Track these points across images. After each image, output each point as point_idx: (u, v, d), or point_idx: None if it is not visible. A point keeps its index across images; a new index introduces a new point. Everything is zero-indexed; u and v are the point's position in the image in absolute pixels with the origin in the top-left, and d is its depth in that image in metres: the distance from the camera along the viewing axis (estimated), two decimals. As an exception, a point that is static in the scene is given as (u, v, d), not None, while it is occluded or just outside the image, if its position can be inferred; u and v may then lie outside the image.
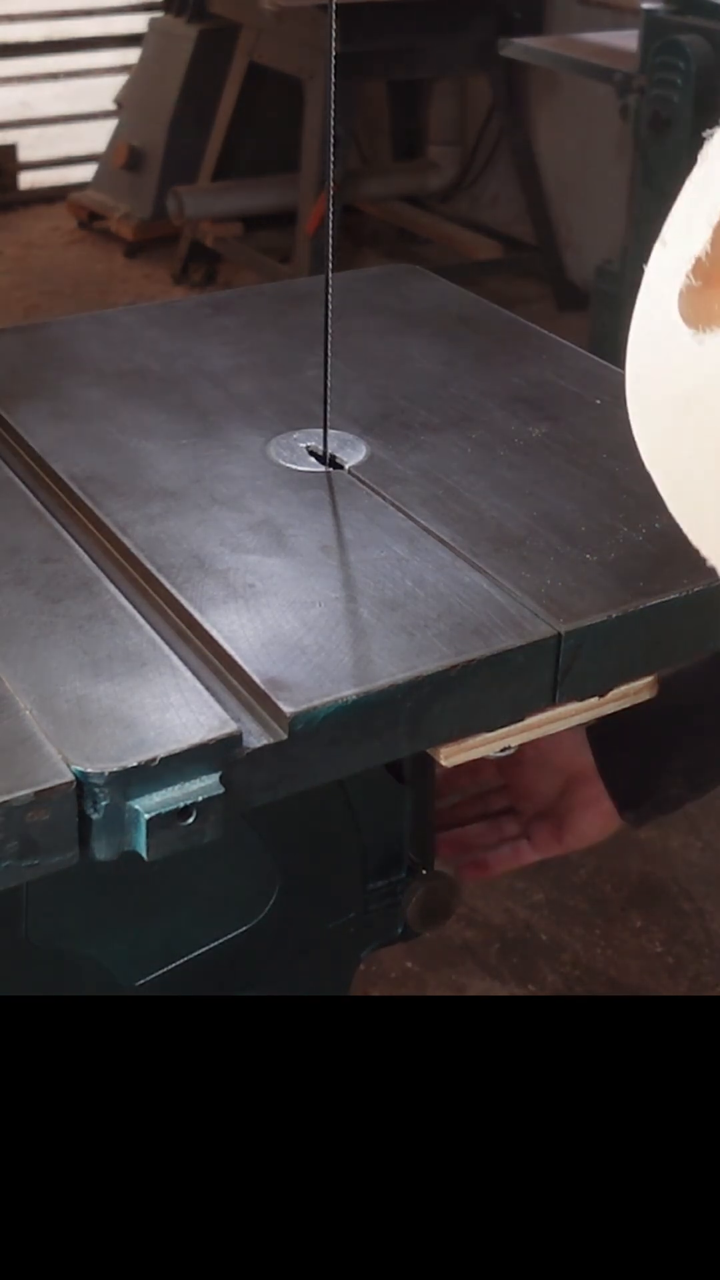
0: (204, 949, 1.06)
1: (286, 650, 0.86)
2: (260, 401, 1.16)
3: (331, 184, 1.06)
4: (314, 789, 0.86)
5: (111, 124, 5.52)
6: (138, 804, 0.77)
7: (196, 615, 0.89)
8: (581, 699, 0.94)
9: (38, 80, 5.81)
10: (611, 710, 0.98)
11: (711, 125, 0.52)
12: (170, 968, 1.05)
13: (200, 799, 0.78)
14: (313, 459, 1.08)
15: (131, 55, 5.56)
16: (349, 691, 0.83)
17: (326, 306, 1.04)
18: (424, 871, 1.15)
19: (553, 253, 4.93)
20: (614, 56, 3.66)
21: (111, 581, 0.93)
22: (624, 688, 0.97)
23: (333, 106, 1.08)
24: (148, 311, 1.35)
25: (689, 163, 0.52)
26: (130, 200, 5.28)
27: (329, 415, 1.08)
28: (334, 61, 1.00)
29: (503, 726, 0.92)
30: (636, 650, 0.93)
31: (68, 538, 0.97)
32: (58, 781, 0.75)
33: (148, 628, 0.88)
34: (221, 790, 0.78)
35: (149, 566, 0.94)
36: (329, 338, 1.05)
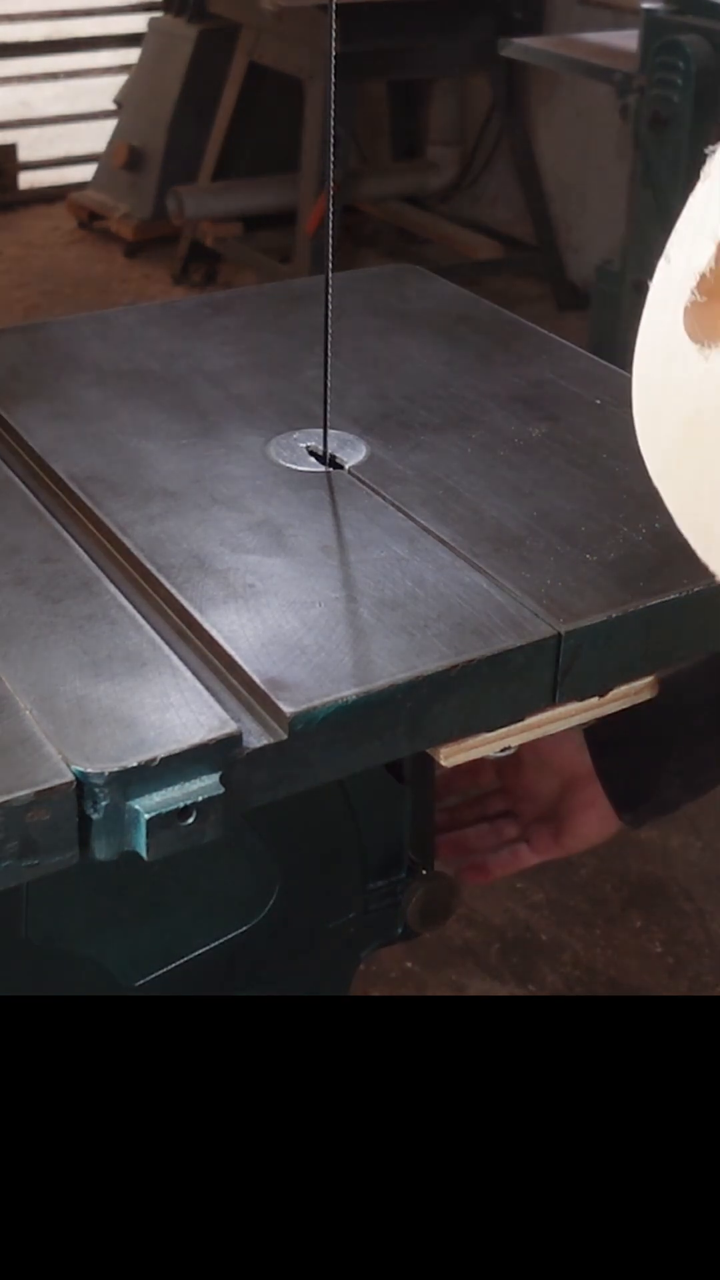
0: (204, 949, 1.06)
1: (286, 650, 0.86)
2: (260, 401, 1.16)
3: (331, 184, 1.06)
4: (314, 789, 0.86)
5: (111, 124, 5.52)
6: (138, 804, 0.77)
7: (196, 615, 0.89)
8: (581, 699, 0.94)
9: (38, 80, 5.81)
10: (612, 710, 0.98)
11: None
12: (170, 968, 1.05)
13: (200, 799, 0.78)
14: (313, 459, 1.08)
15: (131, 55, 5.56)
16: (349, 691, 0.83)
17: (326, 306, 1.04)
18: (424, 872, 1.15)
19: (553, 253, 4.94)
20: (614, 56, 3.66)
21: (111, 581, 0.93)
22: (624, 688, 0.97)
23: (333, 106, 1.08)
24: (148, 311, 1.35)
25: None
26: (130, 200, 5.28)
27: (329, 415, 1.08)
28: (334, 61, 1.00)
29: (503, 726, 0.92)
30: (636, 650, 0.93)
31: (68, 538, 0.97)
32: (58, 781, 0.75)
33: (148, 628, 0.88)
34: (221, 790, 0.78)
35: (149, 566, 0.94)
36: (329, 338, 1.05)
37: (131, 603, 0.91)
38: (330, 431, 1.09)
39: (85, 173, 5.65)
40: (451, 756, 0.91)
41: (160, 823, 0.77)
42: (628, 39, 3.60)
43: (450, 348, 1.26)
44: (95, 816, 0.76)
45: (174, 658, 0.85)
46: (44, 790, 0.75)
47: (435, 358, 1.24)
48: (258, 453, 1.08)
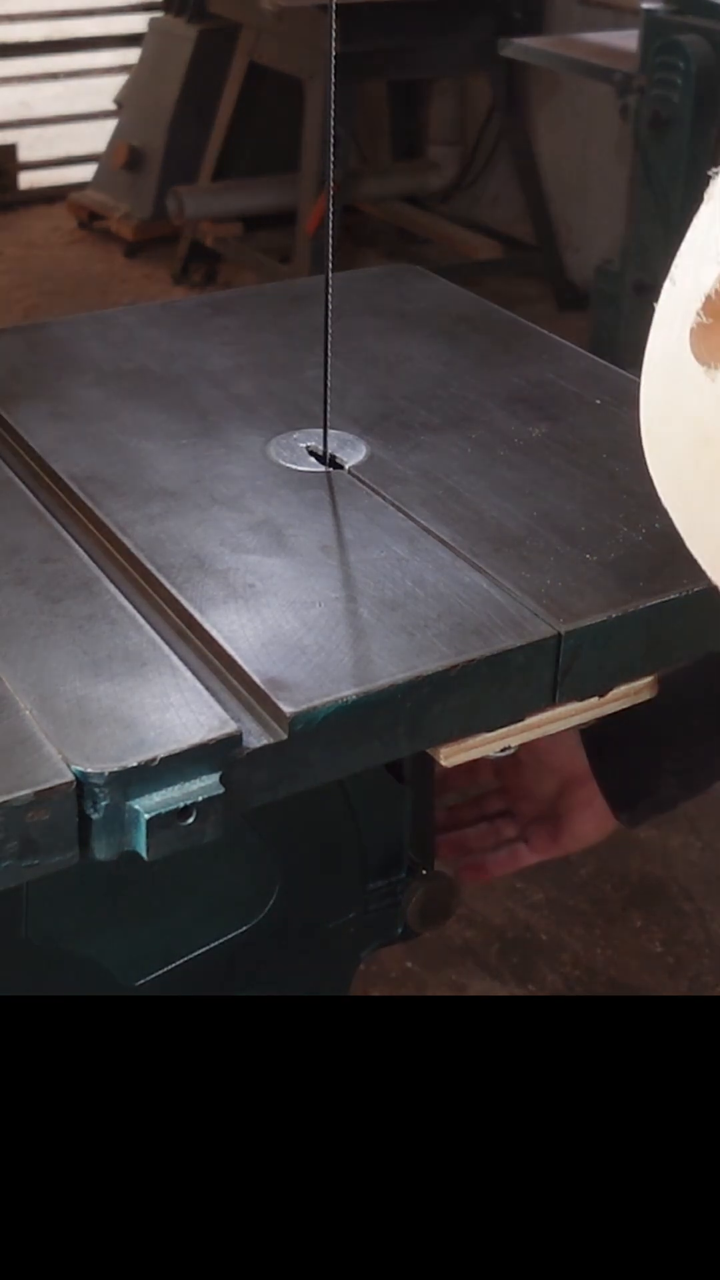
0: (204, 949, 1.06)
1: (286, 650, 0.86)
2: (260, 401, 1.16)
3: (331, 184, 1.06)
4: (314, 789, 0.86)
5: (111, 124, 5.52)
6: (138, 804, 0.77)
7: (196, 615, 0.89)
8: (581, 699, 0.94)
9: (38, 80, 5.81)
10: (611, 710, 0.98)
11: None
12: (170, 968, 1.05)
13: (200, 799, 0.78)
14: (313, 459, 1.08)
15: (131, 55, 5.56)
16: (349, 691, 0.83)
17: (326, 306, 1.04)
18: (424, 871, 1.15)
19: (553, 253, 4.93)
20: (614, 56, 3.66)
21: (111, 581, 0.93)
22: (624, 688, 0.97)
23: (333, 106, 1.08)
24: (148, 311, 1.35)
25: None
26: (130, 200, 5.28)
27: (329, 415, 1.08)
28: (334, 61, 1.00)
29: (502, 726, 0.92)
30: (636, 650, 0.93)
31: (68, 538, 0.97)
32: (58, 781, 0.75)
33: (148, 628, 0.88)
34: (221, 790, 0.78)
35: (149, 566, 0.94)
36: (329, 338, 1.05)
37: (131, 603, 0.91)
38: (330, 431, 1.09)
39: (85, 173, 5.65)
40: (451, 756, 0.91)
41: (160, 823, 0.77)
42: (628, 39, 3.60)
43: (450, 348, 1.26)
44: (95, 816, 0.76)
45: (174, 658, 0.85)
46: (44, 790, 0.75)
47: (435, 358, 1.24)
48: (258, 453, 1.08)
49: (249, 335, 1.28)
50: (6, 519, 0.99)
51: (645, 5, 3.44)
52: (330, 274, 1.02)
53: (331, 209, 1.07)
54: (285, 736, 0.81)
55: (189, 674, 0.84)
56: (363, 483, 1.05)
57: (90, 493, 1.02)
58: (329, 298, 1.03)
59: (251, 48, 4.81)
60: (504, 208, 5.14)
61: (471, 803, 1.34)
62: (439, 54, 4.78)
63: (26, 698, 0.81)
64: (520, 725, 0.93)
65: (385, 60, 4.66)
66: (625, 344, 3.36)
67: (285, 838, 1.06)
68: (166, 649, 0.86)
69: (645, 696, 0.99)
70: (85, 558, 0.95)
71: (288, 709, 0.81)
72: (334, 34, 1.02)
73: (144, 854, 0.78)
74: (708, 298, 0.50)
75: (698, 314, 0.51)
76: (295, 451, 1.08)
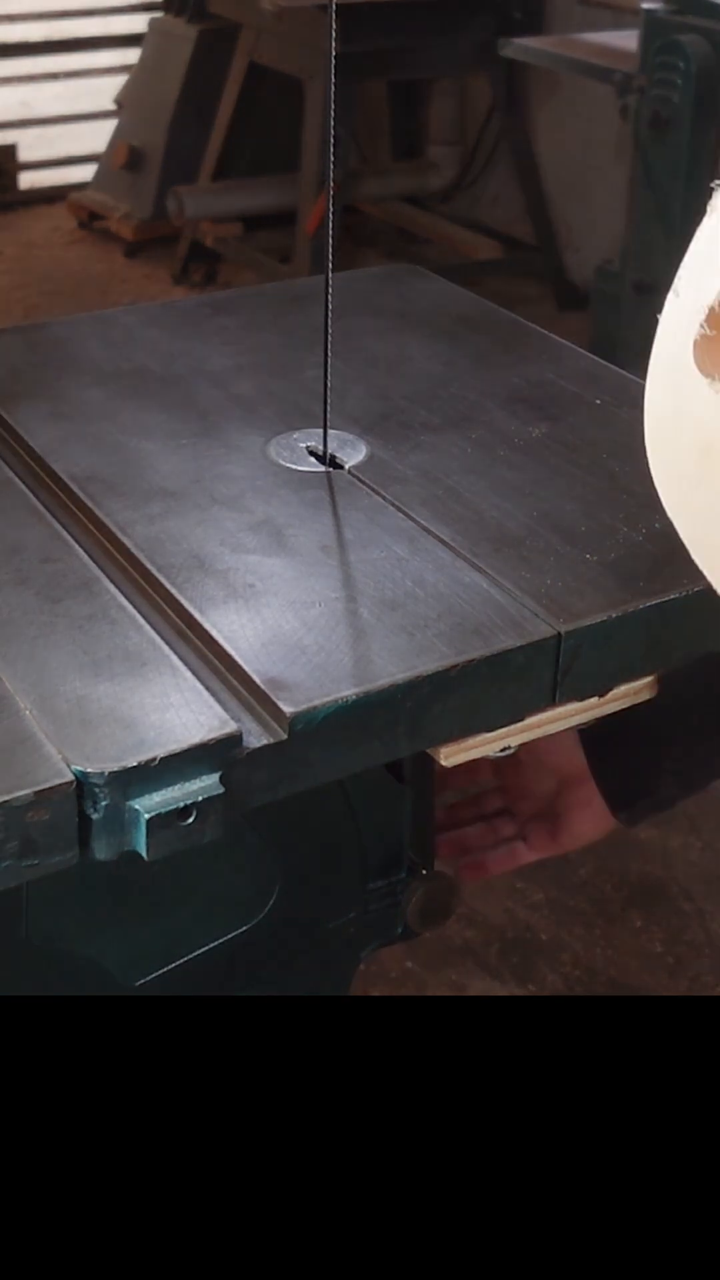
0: (204, 949, 1.06)
1: (286, 650, 0.86)
2: (260, 401, 1.16)
3: (331, 184, 1.06)
4: (314, 789, 0.86)
5: (111, 124, 5.52)
6: (138, 804, 0.77)
7: (196, 615, 0.89)
8: (581, 699, 0.94)
9: (38, 80, 5.81)
10: (611, 710, 0.98)
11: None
12: (170, 968, 1.05)
13: (200, 799, 0.78)
14: (313, 459, 1.08)
15: (131, 55, 5.56)
16: (349, 691, 0.83)
17: (326, 306, 1.04)
18: (424, 871, 1.15)
19: (553, 253, 4.93)
20: (614, 56, 3.66)
21: (111, 581, 0.93)
22: (624, 688, 0.97)
23: (333, 106, 1.08)
24: (148, 311, 1.36)
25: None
26: (130, 200, 5.28)
27: (329, 415, 1.08)
28: (334, 61, 1.00)
29: (502, 726, 0.92)
30: (636, 650, 0.93)
31: (68, 538, 0.98)
32: (58, 781, 0.75)
33: (148, 628, 0.88)
34: (221, 790, 0.78)
35: (149, 566, 0.94)
36: (329, 338, 1.05)
37: (131, 603, 0.91)
38: (330, 431, 1.09)
39: (85, 173, 5.65)
40: (451, 756, 0.91)
41: (160, 823, 0.77)
42: (628, 39, 3.60)
43: (450, 348, 1.26)
44: (95, 816, 0.77)
45: (174, 658, 0.85)
46: (44, 790, 0.75)
47: (435, 358, 1.24)
48: (258, 453, 1.08)
49: (249, 335, 1.28)
50: (6, 519, 0.99)
51: (645, 5, 3.44)
52: (330, 274, 1.03)
53: (331, 209, 1.07)
54: (285, 736, 0.81)
55: (189, 674, 0.84)
56: (363, 483, 1.05)
57: (90, 493, 1.02)
58: (329, 298, 1.03)
59: (251, 48, 4.81)
60: (504, 208, 5.14)
61: (470, 801, 1.34)
62: (439, 54, 4.77)
63: (26, 698, 0.81)
64: (520, 725, 0.93)
65: (385, 60, 4.66)
66: (625, 344, 3.36)
67: (285, 838, 1.06)
68: (166, 649, 0.86)
69: (645, 696, 0.99)
70: (85, 558, 0.95)
71: (288, 709, 0.81)
72: (334, 34, 1.02)
73: (144, 854, 0.78)
74: (711, 310, 0.50)
75: (701, 326, 0.51)
76: (295, 451, 1.08)
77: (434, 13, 4.58)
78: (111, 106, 5.62)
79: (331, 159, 1.04)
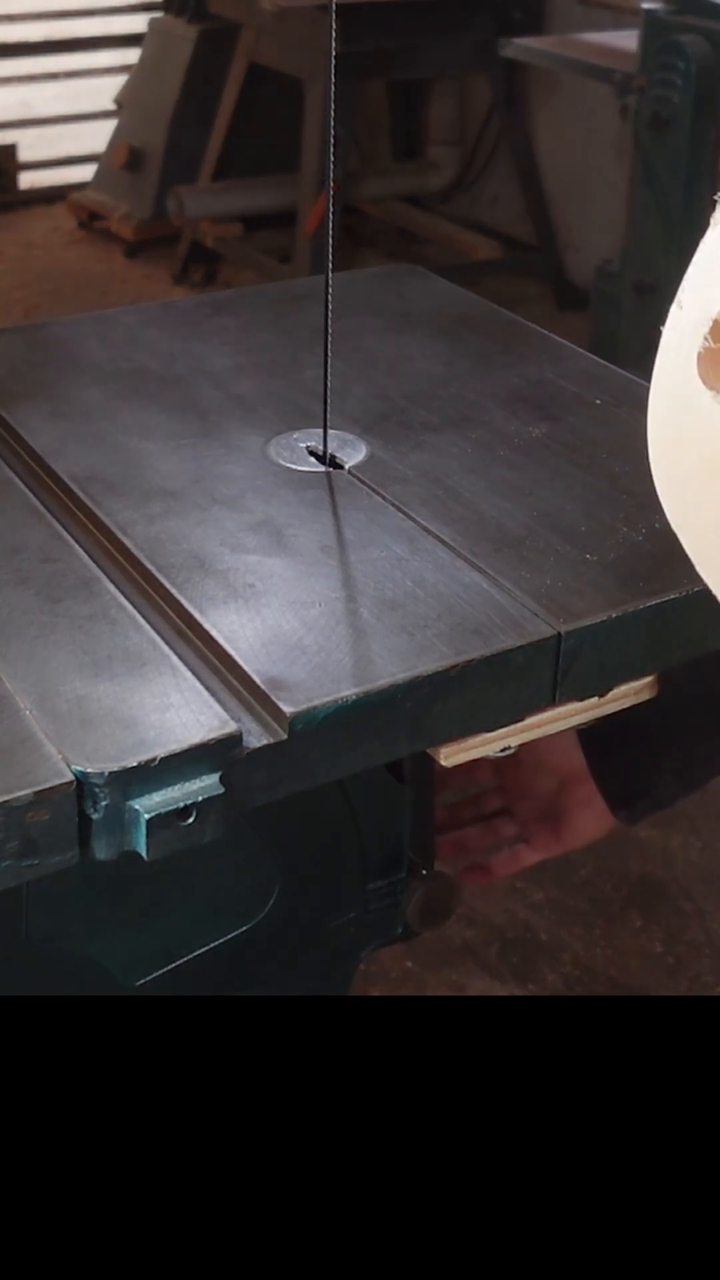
0: (204, 949, 1.06)
1: (286, 650, 0.86)
2: (260, 401, 1.16)
3: (331, 184, 1.06)
4: (314, 789, 0.86)
5: (111, 124, 5.52)
6: (138, 804, 0.77)
7: (196, 615, 0.89)
8: (581, 699, 0.94)
9: (38, 80, 5.81)
10: (612, 710, 0.98)
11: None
12: (170, 968, 1.05)
13: (200, 799, 0.78)
14: (313, 459, 1.08)
15: (131, 55, 5.56)
16: (349, 691, 0.83)
17: (326, 306, 1.04)
18: (424, 871, 1.15)
19: (553, 253, 4.94)
20: (614, 56, 3.66)
21: (111, 581, 0.93)
22: (624, 688, 0.97)
23: (333, 106, 1.08)
24: (148, 311, 1.35)
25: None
26: (130, 200, 5.28)
27: (329, 415, 1.08)
28: (334, 61, 1.00)
29: (503, 726, 0.92)
30: (636, 650, 0.93)
31: (68, 538, 0.97)
32: (58, 781, 0.75)
33: (148, 628, 0.88)
34: (221, 790, 0.78)
35: (149, 566, 0.94)
36: (329, 338, 1.05)
37: (131, 603, 0.91)
38: (330, 431, 1.09)
39: (85, 173, 5.65)
40: (452, 756, 0.91)
41: (160, 823, 0.77)
42: (628, 39, 3.60)
43: (450, 348, 1.26)
44: (95, 816, 0.76)
45: (174, 658, 0.85)
46: (44, 790, 0.75)
47: (435, 358, 1.24)
48: (258, 453, 1.08)
49: (249, 335, 1.28)
50: (6, 519, 0.99)
51: (645, 5, 3.44)
52: (330, 274, 1.03)
53: (331, 209, 1.07)
54: (285, 736, 0.81)
55: (189, 674, 0.84)
56: (363, 483, 1.05)
57: (90, 493, 1.02)
58: (329, 298, 1.03)
59: (251, 48, 4.82)
60: (504, 208, 5.14)
61: (469, 801, 1.34)
62: (439, 54, 4.78)
63: (26, 698, 0.81)
64: (520, 725, 0.93)
65: (385, 60, 4.67)
66: (625, 344, 3.36)
67: (285, 838, 1.06)
68: (166, 649, 0.86)
69: (645, 696, 0.98)
70: (85, 558, 0.95)
71: (288, 709, 0.81)
72: (334, 34, 1.02)
73: (144, 854, 0.78)
74: (715, 322, 0.50)
75: (705, 338, 0.51)
76: (295, 451, 1.08)
77: (434, 13, 4.58)
78: (111, 106, 5.62)
79: (331, 159, 1.04)
